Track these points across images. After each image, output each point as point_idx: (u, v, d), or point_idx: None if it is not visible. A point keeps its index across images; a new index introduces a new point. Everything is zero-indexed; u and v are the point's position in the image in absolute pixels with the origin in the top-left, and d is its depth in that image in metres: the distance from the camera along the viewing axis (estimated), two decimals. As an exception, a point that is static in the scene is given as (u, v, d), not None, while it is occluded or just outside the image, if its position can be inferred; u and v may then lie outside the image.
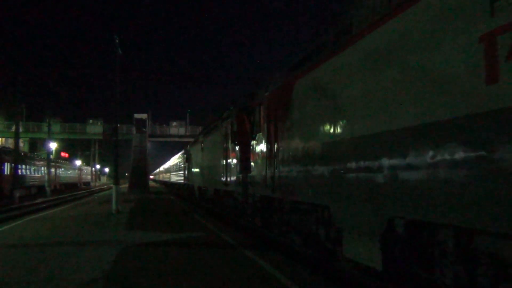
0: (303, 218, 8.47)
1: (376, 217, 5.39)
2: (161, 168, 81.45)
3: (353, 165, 5.97)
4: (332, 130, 6.70)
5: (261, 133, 10.76)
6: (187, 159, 30.04)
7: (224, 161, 15.52)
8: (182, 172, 35.10)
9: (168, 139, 62.08)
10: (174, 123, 61.65)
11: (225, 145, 15.37)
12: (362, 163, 5.73)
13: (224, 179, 15.40)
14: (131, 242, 10.34)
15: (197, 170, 24.51)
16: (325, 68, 6.99)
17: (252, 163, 11.72)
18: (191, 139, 46.30)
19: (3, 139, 61.49)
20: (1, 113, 56.50)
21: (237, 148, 13.44)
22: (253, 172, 11.53)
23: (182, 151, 37.86)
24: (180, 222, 14.99)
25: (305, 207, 8.22)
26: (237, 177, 13.31)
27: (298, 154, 8.17)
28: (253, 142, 11.59)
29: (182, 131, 60.73)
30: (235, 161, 13.81)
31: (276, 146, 9.40)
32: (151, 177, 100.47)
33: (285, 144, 8.88)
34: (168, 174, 57.26)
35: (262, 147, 10.64)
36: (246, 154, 12.45)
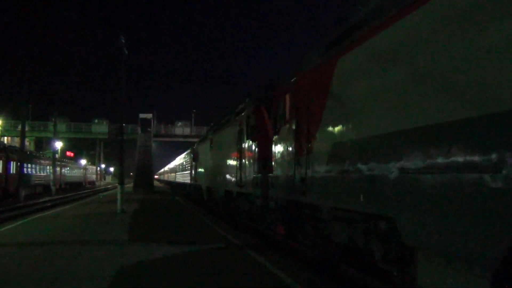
0: (346, 230, 6.63)
1: (487, 241, 3.56)
2: (166, 168, 79.15)
3: (443, 162, 4.06)
4: (404, 116, 4.74)
5: (286, 127, 8.90)
6: (194, 158, 27.71)
7: (238, 159, 13.56)
8: (189, 171, 32.72)
9: (173, 139, 61.19)
10: (179, 123, 60.80)
11: (239, 142, 13.44)
12: (461, 160, 3.82)
13: (238, 180, 13.43)
14: (137, 242, 9.96)
15: (205, 169, 22.33)
16: (393, 32, 5.01)
17: (274, 162, 9.85)
18: (196, 139, 44.66)
19: (10, 138, 60.15)
20: (8, 112, 55.16)
21: (254, 145, 11.59)
22: (276, 172, 9.66)
23: (189, 150, 35.35)
24: (185, 223, 14.17)
25: (351, 216, 6.38)
26: (255, 178, 11.40)
27: (343, 150, 6.29)
28: (276, 137, 9.71)
29: (187, 131, 59.81)
30: (252, 159, 11.90)
31: (309, 140, 7.52)
32: (156, 176, 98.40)
33: (323, 137, 7.01)
34: (173, 174, 54.95)
35: (288, 142, 8.78)
36: (265, 151, 10.59)
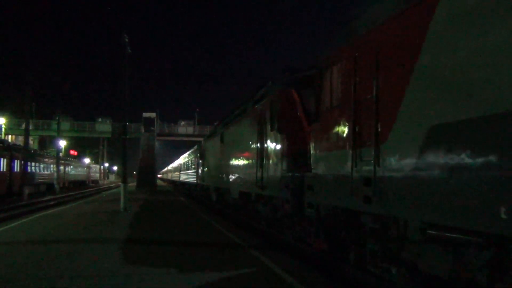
0: (454, 258, 4.23)
1: None
2: (170, 167, 76.16)
3: None
4: None
5: (335, 110, 6.47)
6: (201, 156, 24.57)
7: (258, 156, 10.95)
8: (194, 170, 29.63)
9: (176, 138, 59.57)
10: (183, 122, 59.40)
11: (259, 135, 10.86)
12: None
13: (258, 180, 10.76)
14: (139, 240, 9.67)
15: (215, 168, 19.29)
16: None
17: (312, 158, 7.37)
18: (199, 139, 42.45)
19: (13, 136, 58.21)
20: (12, 111, 53.20)
21: (281, 137, 9.14)
22: (317, 171, 7.17)
23: (195, 147, 32.24)
24: (191, 225, 12.88)
25: (464, 239, 3.99)
26: (283, 178, 8.87)
27: (457, 134, 3.89)
28: (316, 125, 7.25)
29: (190, 130, 58.35)
30: (278, 155, 9.38)
31: (379, 124, 5.15)
32: (159, 176, 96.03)
33: (409, 118, 4.60)
34: (177, 173, 51.92)
35: (338, 130, 6.34)
36: (297, 144, 8.17)
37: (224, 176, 16.49)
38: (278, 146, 9.40)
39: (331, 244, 7.25)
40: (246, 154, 12.58)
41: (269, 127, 10.05)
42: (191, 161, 33.47)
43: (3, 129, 49.34)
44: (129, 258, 7.40)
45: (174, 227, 12.05)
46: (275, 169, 9.58)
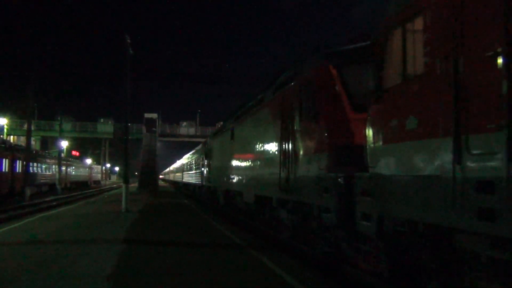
0: None
1: None
2: (172, 168, 73.76)
3: None
4: None
5: (414, 82, 4.46)
6: (207, 155, 22.02)
7: (282, 151, 8.85)
8: (198, 171, 26.94)
9: (178, 139, 58.25)
10: (184, 123, 57.99)
11: (284, 126, 8.74)
12: None
13: (282, 182, 8.65)
14: (140, 240, 9.57)
15: (224, 168, 16.63)
16: None
17: (370, 152, 5.34)
18: (201, 139, 40.55)
19: (15, 137, 56.58)
20: (14, 112, 51.54)
21: (317, 127, 7.05)
22: (379, 170, 5.10)
23: (199, 146, 29.61)
24: (195, 228, 11.86)
25: None
26: (320, 180, 6.77)
27: None
28: (376, 108, 5.24)
29: (192, 131, 57.06)
30: (311, 150, 7.31)
31: None
32: (161, 176, 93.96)
33: None
34: (179, 174, 49.05)
35: (416, 111, 4.31)
36: (342, 136, 6.26)
37: (234, 177, 14.25)
38: (312, 139, 7.35)
39: (396, 269, 5.30)
40: (265, 150, 10.38)
41: (297, 116, 8.04)
42: (195, 161, 31.06)
43: (5, 130, 47.65)
44: (128, 263, 6.99)
45: (175, 226, 11.52)
46: (307, 168, 7.47)
